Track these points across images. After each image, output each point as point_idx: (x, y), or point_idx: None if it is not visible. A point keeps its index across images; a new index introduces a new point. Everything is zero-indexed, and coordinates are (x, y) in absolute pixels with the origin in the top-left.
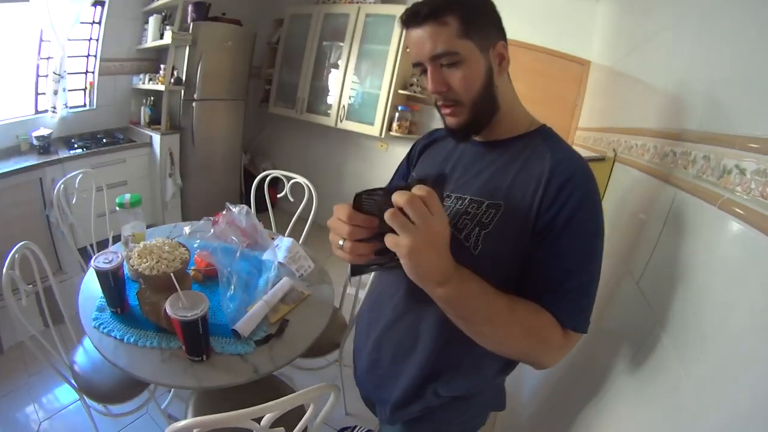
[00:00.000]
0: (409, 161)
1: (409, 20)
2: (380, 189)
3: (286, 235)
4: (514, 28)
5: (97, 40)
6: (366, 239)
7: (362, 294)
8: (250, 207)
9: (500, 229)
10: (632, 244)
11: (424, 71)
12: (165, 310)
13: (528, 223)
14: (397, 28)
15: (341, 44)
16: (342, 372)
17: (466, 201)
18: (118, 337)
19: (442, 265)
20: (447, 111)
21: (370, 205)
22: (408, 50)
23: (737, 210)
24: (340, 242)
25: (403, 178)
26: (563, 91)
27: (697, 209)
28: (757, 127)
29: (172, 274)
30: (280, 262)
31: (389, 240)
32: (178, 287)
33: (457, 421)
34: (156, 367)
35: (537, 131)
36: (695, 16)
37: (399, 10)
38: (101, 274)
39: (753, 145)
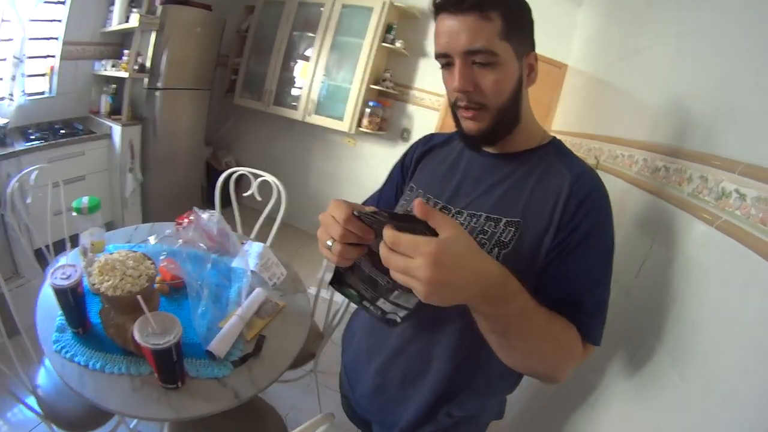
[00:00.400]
0: (403, 169)
1: (448, 4)
2: (384, 212)
3: (253, 236)
4: None
5: (61, 21)
6: (356, 244)
7: (338, 298)
8: (213, 204)
9: (519, 247)
10: (619, 253)
11: (448, 64)
12: (133, 335)
13: (547, 239)
14: (372, 21)
15: (311, 35)
16: (318, 382)
17: (482, 218)
18: (82, 363)
19: (478, 281)
20: (468, 114)
21: (370, 221)
22: (438, 38)
23: (736, 233)
24: (329, 242)
25: (397, 186)
26: (538, 93)
27: (691, 226)
28: (759, 154)
29: (139, 297)
30: (252, 271)
31: (405, 278)
32: (146, 309)
33: None
34: (127, 397)
35: (550, 144)
36: (698, 35)
37: (376, 2)
38: (59, 292)
39: (757, 173)
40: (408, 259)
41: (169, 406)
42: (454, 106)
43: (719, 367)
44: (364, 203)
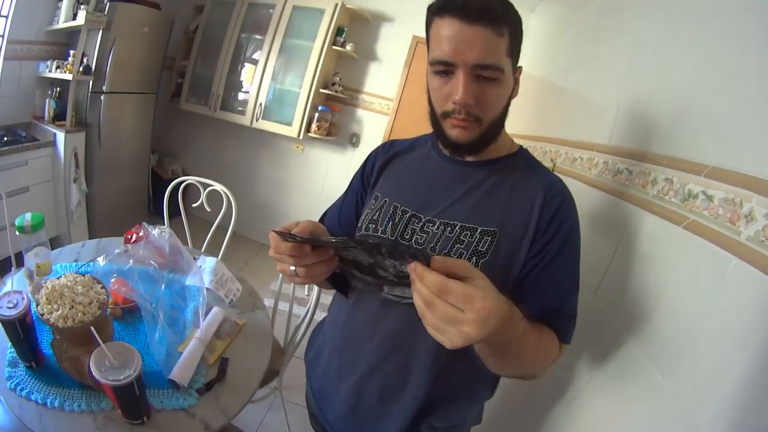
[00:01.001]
0: (363, 178)
1: (461, 11)
2: (342, 238)
3: (203, 249)
4: None
5: (6, 17)
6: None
7: (297, 311)
8: (160, 214)
9: (497, 256)
10: (585, 253)
11: (445, 72)
12: (90, 370)
13: (523, 248)
14: (324, 24)
15: (259, 37)
16: (283, 399)
17: (457, 228)
18: (39, 401)
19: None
20: (463, 125)
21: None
22: (440, 44)
23: (705, 232)
24: (292, 268)
25: (357, 197)
26: None
27: (658, 227)
28: (724, 157)
29: (91, 328)
30: (207, 288)
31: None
32: (100, 342)
33: None
34: None
35: (518, 154)
36: (655, 44)
37: (328, 3)
38: (6, 324)
39: (723, 176)
40: (457, 311)
41: None
42: (442, 115)
43: (698, 357)
44: (325, 214)
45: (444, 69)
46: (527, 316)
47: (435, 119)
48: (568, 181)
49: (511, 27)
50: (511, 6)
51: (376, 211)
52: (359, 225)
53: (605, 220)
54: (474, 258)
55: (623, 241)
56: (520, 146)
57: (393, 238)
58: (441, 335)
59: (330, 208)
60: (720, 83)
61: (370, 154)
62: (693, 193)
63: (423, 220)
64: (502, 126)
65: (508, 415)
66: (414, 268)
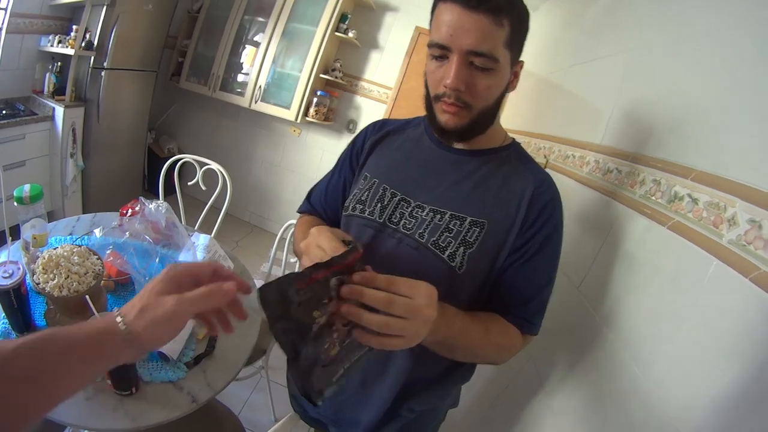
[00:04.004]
0: (353, 156)
1: None
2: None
3: (196, 227)
4: None
5: None
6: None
7: None
8: (155, 192)
9: (483, 247)
10: (568, 249)
11: (441, 56)
12: None
13: (508, 241)
14: (328, 9)
15: (262, 20)
16: (269, 378)
17: (447, 216)
18: None
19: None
20: (452, 110)
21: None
22: (439, 27)
23: (689, 234)
24: None
25: (345, 175)
26: None
27: (643, 226)
28: (710, 162)
29: (87, 297)
30: None
31: (377, 340)
32: (95, 311)
33: (428, 427)
34: (81, 408)
35: (511, 147)
36: (653, 49)
37: None
38: (1, 294)
39: (709, 180)
40: (411, 300)
41: (127, 416)
42: (434, 98)
43: (678, 355)
44: (312, 191)
45: (440, 53)
46: (485, 310)
47: (429, 102)
48: (559, 177)
49: (513, 19)
50: None
51: (365, 192)
52: (346, 205)
53: (593, 217)
54: (462, 248)
55: (609, 238)
56: (514, 140)
57: (381, 221)
58: (404, 333)
59: (316, 185)
60: (713, 91)
61: (360, 132)
62: (679, 195)
63: (412, 204)
64: (494, 117)
65: (489, 403)
66: (362, 278)
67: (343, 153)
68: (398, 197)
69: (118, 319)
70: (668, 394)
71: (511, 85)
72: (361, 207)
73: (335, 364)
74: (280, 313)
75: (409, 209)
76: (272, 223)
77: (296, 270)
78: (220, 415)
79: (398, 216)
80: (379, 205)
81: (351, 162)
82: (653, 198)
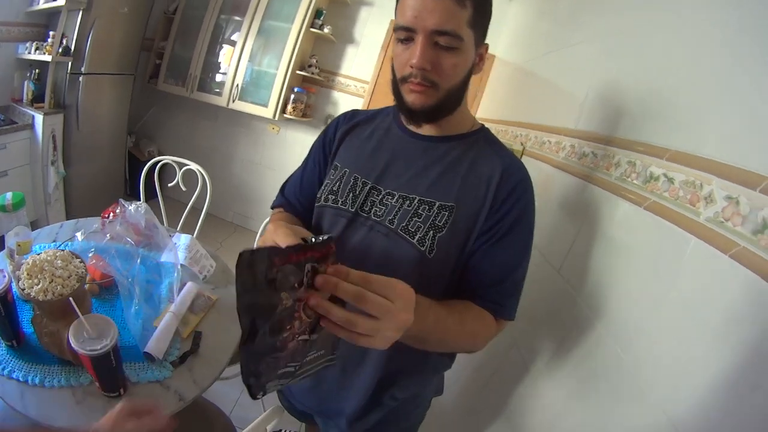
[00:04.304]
0: (324, 146)
1: None
2: (273, 249)
3: (178, 228)
4: None
5: None
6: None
7: None
8: (137, 195)
9: (453, 231)
10: (547, 233)
11: (407, 39)
12: (68, 342)
13: (477, 223)
14: (302, 6)
15: (238, 18)
16: None
17: (416, 201)
18: (21, 379)
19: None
20: (418, 89)
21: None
22: (404, 10)
23: (666, 213)
24: None
25: (319, 165)
26: None
27: (620, 207)
28: (684, 142)
29: (71, 299)
30: (181, 264)
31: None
32: (79, 313)
33: (412, 414)
34: (71, 412)
35: (479, 132)
36: (625, 33)
37: None
38: None
39: (684, 159)
40: (385, 300)
41: None
42: (401, 80)
43: (660, 334)
44: (285, 185)
45: (405, 35)
46: (457, 296)
47: (395, 86)
48: (536, 164)
49: (475, 0)
50: None
51: (336, 182)
52: (318, 196)
53: (570, 202)
54: (431, 232)
55: (587, 221)
56: (482, 125)
57: (353, 210)
58: (375, 333)
59: (289, 178)
60: (685, 71)
61: (332, 122)
62: (655, 175)
63: (383, 192)
64: (461, 98)
65: (477, 391)
66: (336, 270)
67: (314, 143)
68: (369, 186)
69: None
70: (653, 374)
71: (476, 67)
72: (333, 197)
73: (287, 359)
74: (250, 285)
75: (380, 197)
76: (255, 222)
77: None
78: (211, 414)
79: (369, 204)
80: (351, 194)
81: (324, 150)
82: (629, 179)
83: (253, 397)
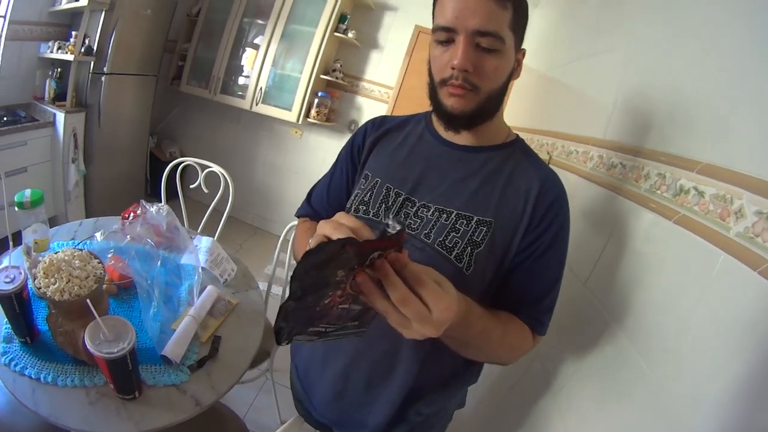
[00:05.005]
0: (353, 154)
1: None
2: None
3: (199, 230)
4: None
5: None
6: None
7: (276, 290)
8: (158, 196)
9: (491, 247)
10: (574, 245)
11: (447, 41)
12: (84, 343)
13: (515, 240)
14: (327, 10)
15: (261, 22)
16: (273, 381)
17: (453, 215)
18: (33, 376)
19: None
20: (459, 92)
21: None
22: (443, 10)
23: (696, 227)
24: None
25: (346, 174)
26: None
27: (649, 220)
28: (716, 154)
29: (88, 300)
30: (202, 267)
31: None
32: (96, 315)
33: (434, 428)
34: (85, 412)
35: (515, 143)
36: (653, 40)
37: None
38: (3, 299)
39: (714, 172)
40: (425, 309)
41: (130, 420)
42: (439, 83)
43: (684, 352)
44: (312, 193)
45: (446, 37)
46: (493, 308)
47: (433, 90)
48: (563, 173)
49: (515, 3)
50: None
51: (367, 192)
52: (348, 206)
53: (598, 213)
54: (469, 248)
55: (614, 234)
56: (518, 135)
57: (385, 222)
58: (403, 329)
59: (315, 185)
60: (717, 81)
61: (360, 129)
62: (685, 188)
63: (417, 204)
64: (500, 104)
65: (497, 404)
66: (396, 258)
67: (342, 151)
68: (402, 197)
69: None
70: (677, 388)
71: (515, 72)
72: (365, 208)
73: (323, 320)
74: (315, 269)
75: (414, 209)
76: (276, 224)
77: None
78: (225, 418)
79: (403, 216)
80: (383, 205)
81: (353, 158)
82: (658, 192)
83: (279, 342)
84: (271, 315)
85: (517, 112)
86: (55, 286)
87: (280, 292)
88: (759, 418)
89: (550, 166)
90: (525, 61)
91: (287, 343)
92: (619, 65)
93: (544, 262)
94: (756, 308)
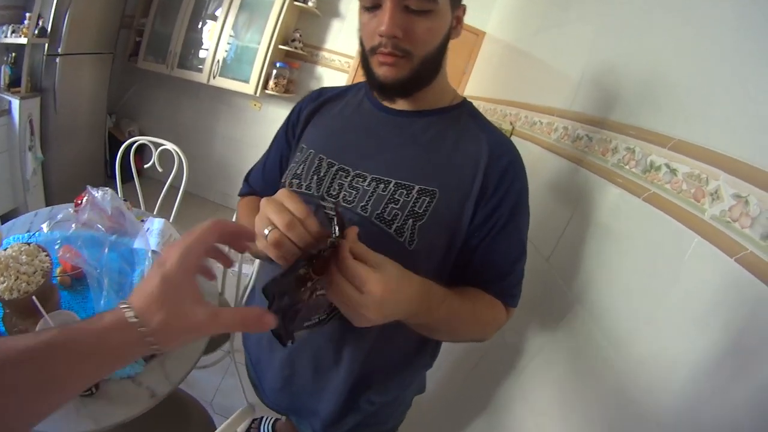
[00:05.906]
0: (288, 129)
1: None
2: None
3: (155, 210)
4: None
5: None
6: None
7: (247, 269)
8: (115, 177)
9: (436, 218)
10: (536, 219)
11: (374, 6)
12: None
13: (466, 211)
14: None
15: None
16: (236, 362)
17: (392, 185)
18: None
19: (410, 305)
20: (389, 60)
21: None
22: None
23: (666, 206)
24: (266, 231)
25: (280, 153)
26: (454, 59)
27: (616, 197)
28: (689, 131)
29: (34, 298)
30: (153, 251)
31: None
32: (43, 311)
33: (392, 417)
34: None
35: (462, 106)
36: (625, 12)
37: None
38: None
39: (689, 150)
40: (356, 293)
41: (90, 417)
42: (369, 52)
43: (652, 337)
44: (250, 173)
45: (372, 3)
46: (461, 285)
47: (365, 59)
48: (525, 144)
49: None
50: None
51: (301, 165)
52: (283, 180)
53: (562, 186)
54: (411, 220)
55: (579, 209)
56: (464, 98)
57: (319, 195)
58: (347, 312)
59: (253, 167)
60: (693, 55)
61: (297, 104)
62: (656, 164)
63: (351, 174)
64: (438, 67)
65: (458, 385)
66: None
67: (279, 128)
68: (336, 167)
69: (141, 329)
70: (647, 380)
71: (454, 31)
72: (297, 181)
73: (311, 311)
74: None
75: (349, 179)
76: (236, 200)
77: None
78: (187, 405)
79: (336, 187)
80: (315, 177)
81: (287, 135)
82: (626, 167)
83: (284, 345)
84: (229, 293)
85: (481, 83)
86: (4, 285)
87: (236, 270)
88: (728, 411)
89: (513, 136)
90: (490, 31)
91: (292, 343)
92: (589, 35)
93: (506, 235)
94: (732, 298)
